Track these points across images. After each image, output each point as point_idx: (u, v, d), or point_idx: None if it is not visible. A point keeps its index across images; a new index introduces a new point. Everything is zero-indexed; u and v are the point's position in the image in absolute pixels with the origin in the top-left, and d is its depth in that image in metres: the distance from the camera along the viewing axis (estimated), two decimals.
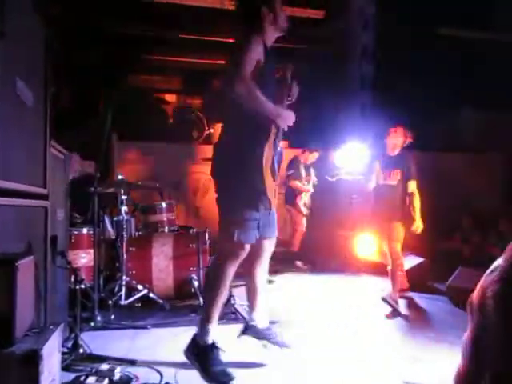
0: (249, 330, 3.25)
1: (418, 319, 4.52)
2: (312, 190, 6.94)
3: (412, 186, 4.88)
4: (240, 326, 3.96)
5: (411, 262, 5.77)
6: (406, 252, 5.50)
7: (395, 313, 4.60)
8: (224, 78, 2.76)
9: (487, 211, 7.81)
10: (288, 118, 2.91)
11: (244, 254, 2.91)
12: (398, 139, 4.94)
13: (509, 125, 7.96)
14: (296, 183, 6.78)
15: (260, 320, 3.25)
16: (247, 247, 2.89)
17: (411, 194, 4.86)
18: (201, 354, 2.86)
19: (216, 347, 2.90)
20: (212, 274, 2.98)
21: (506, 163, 8.37)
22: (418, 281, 5.45)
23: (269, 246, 3.21)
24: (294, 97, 3.19)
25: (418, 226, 4.84)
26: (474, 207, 7.99)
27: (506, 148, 7.98)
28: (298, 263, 6.92)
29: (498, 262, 0.82)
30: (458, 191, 8.22)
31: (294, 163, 6.87)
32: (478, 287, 0.88)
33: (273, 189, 2.93)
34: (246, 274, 3.27)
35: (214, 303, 2.90)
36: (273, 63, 2.97)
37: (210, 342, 2.89)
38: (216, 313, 2.91)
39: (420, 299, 5.20)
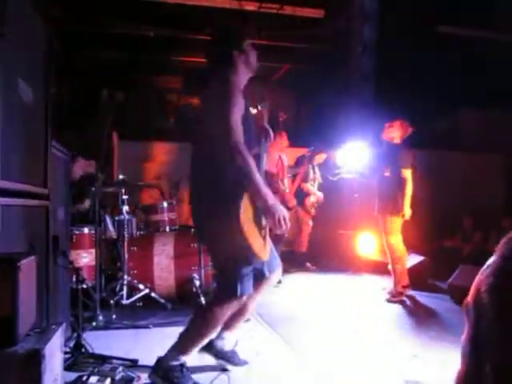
0: (211, 348, 3.01)
1: (419, 317, 4.52)
2: (321, 195, 6.94)
3: (405, 173, 4.90)
4: (243, 325, 3.99)
5: (412, 260, 5.77)
6: (407, 251, 5.50)
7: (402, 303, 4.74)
8: (218, 138, 2.57)
9: (488, 210, 7.81)
10: (280, 215, 2.60)
11: (239, 305, 2.80)
12: (394, 133, 5.00)
13: (509, 124, 7.96)
14: (308, 186, 6.77)
15: (230, 342, 3.09)
16: (245, 298, 2.78)
17: (404, 180, 4.89)
18: (167, 373, 2.70)
19: (184, 367, 2.74)
20: (203, 318, 2.82)
21: (507, 163, 8.37)
22: (419, 279, 5.45)
23: (276, 277, 3.09)
24: (271, 138, 3.05)
25: (405, 212, 4.90)
26: (474, 206, 7.99)
27: (506, 147, 7.97)
28: (308, 264, 6.90)
29: (492, 259, 0.82)
30: (459, 190, 8.22)
31: (301, 161, 6.85)
32: (473, 286, 0.88)
33: (260, 242, 2.72)
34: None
35: (195, 343, 2.78)
36: (248, 104, 2.83)
37: (177, 363, 2.73)
38: (193, 351, 2.78)
39: (421, 297, 5.21)
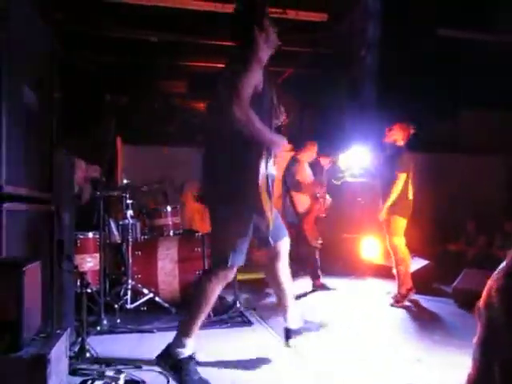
0: (290, 333, 3.33)
1: (423, 321, 4.51)
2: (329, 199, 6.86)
3: (398, 176, 4.98)
4: (245, 329, 4.00)
5: (416, 264, 5.76)
6: (411, 254, 5.49)
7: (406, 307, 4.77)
8: (222, 100, 2.74)
9: (491, 213, 7.79)
10: (281, 144, 2.93)
11: (232, 275, 2.99)
12: (396, 135, 5.08)
13: (510, 125, 7.95)
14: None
15: (294, 320, 3.34)
16: (235, 269, 2.97)
17: (393, 183, 4.95)
18: (176, 365, 2.81)
19: (193, 359, 2.86)
20: (200, 292, 2.94)
21: (508, 164, 8.34)
22: (423, 283, 5.43)
23: (285, 246, 3.29)
24: (280, 120, 3.20)
25: (382, 215, 5.05)
26: (476, 209, 7.97)
27: (507, 149, 7.95)
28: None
29: (503, 263, 0.83)
30: (461, 193, 8.20)
31: (316, 168, 6.78)
32: (485, 290, 0.88)
33: (270, 208, 2.92)
34: (270, 280, 3.34)
35: (197, 319, 2.89)
36: (268, 83, 2.97)
37: (186, 355, 2.84)
38: (197, 328, 2.90)
39: (425, 301, 5.19)
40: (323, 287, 5.78)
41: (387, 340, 3.89)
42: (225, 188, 2.87)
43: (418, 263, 5.81)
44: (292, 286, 3.39)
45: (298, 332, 3.35)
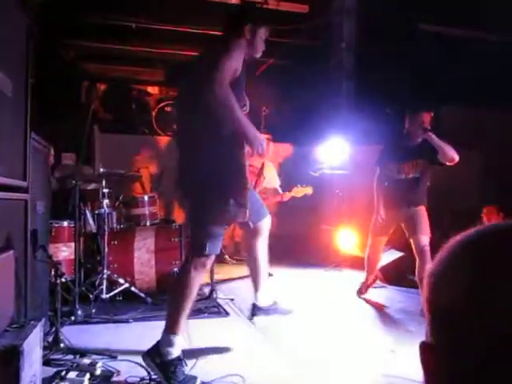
0: (257, 310, 3.47)
1: (398, 313, 4.57)
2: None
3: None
4: (222, 320, 4.00)
5: (392, 256, 5.82)
6: (387, 246, 5.56)
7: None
8: (202, 82, 2.71)
9: (467, 209, 7.91)
10: (262, 144, 2.86)
11: (210, 263, 3.00)
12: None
13: (488, 122, 8.06)
14: None
15: (264, 298, 3.45)
16: (214, 257, 2.97)
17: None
18: (163, 365, 2.73)
19: (181, 360, 2.78)
20: (180, 285, 2.90)
21: (487, 161, 8.46)
22: (398, 275, 5.51)
23: (266, 226, 3.36)
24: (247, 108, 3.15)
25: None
26: (453, 205, 8.08)
27: (486, 146, 8.07)
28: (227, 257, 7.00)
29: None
30: (438, 188, 8.30)
31: None
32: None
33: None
34: (247, 255, 3.44)
35: (181, 314, 2.83)
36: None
37: (175, 355, 2.75)
38: (182, 323, 2.83)
39: (400, 293, 5.26)
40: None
41: (361, 330, 3.93)
42: (201, 176, 2.85)
43: (393, 255, 5.88)
44: (267, 265, 3.47)
45: (266, 312, 3.47)
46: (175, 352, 2.75)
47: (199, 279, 2.91)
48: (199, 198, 2.88)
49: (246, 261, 3.49)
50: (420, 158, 4.50)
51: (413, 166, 4.54)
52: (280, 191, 5.96)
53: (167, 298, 3.00)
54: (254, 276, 3.43)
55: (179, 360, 2.76)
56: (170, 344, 2.76)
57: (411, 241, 4.46)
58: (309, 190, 5.80)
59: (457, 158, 4.31)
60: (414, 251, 4.40)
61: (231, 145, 2.83)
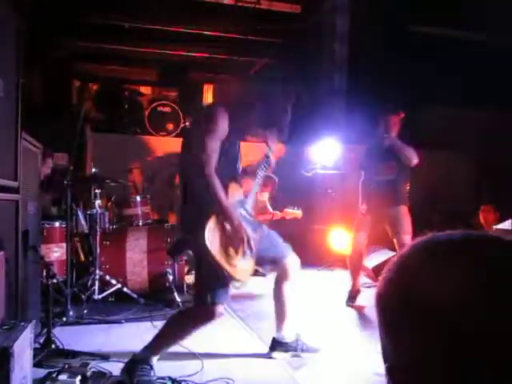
0: (277, 346, 3.25)
1: None
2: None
3: None
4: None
5: (384, 255, 5.84)
6: (379, 246, 5.57)
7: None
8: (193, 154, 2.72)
9: (457, 208, 7.94)
10: (246, 235, 2.72)
11: (217, 317, 2.81)
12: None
13: (477, 123, 8.10)
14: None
15: (286, 335, 3.26)
16: (220, 309, 2.79)
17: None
18: (133, 369, 2.71)
19: (151, 366, 2.75)
20: (182, 323, 2.89)
21: (477, 161, 8.51)
22: None
23: (292, 264, 3.21)
24: (272, 168, 3.18)
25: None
26: (441, 204, 8.11)
27: (475, 146, 8.12)
28: None
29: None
30: (429, 189, 8.33)
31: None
32: None
33: (235, 262, 2.76)
34: (273, 294, 3.28)
35: (168, 346, 2.83)
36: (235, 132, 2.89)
37: (146, 363, 2.74)
38: (165, 351, 2.83)
39: None
40: None
41: (353, 330, 3.94)
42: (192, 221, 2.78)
43: (385, 254, 5.89)
44: (293, 305, 3.32)
45: (286, 348, 3.26)
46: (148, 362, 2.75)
47: (198, 327, 2.81)
48: (197, 256, 2.85)
49: (273, 298, 3.29)
50: (392, 159, 4.62)
51: (387, 167, 4.66)
52: (269, 208, 5.94)
53: (166, 322, 2.92)
54: (278, 315, 3.28)
55: (151, 367, 2.74)
56: (146, 360, 2.73)
57: (394, 240, 4.58)
58: (299, 215, 5.83)
59: (415, 161, 4.53)
60: (397, 250, 4.43)
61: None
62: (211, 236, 2.62)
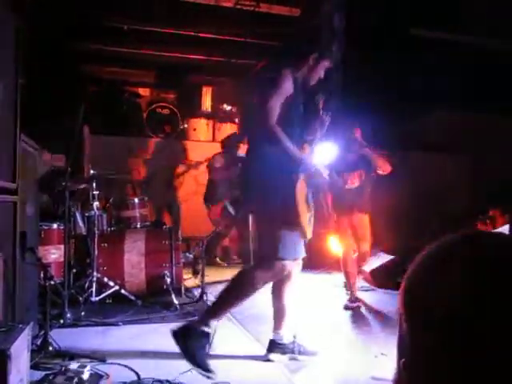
0: (274, 347, 3.23)
1: (387, 316, 4.58)
2: None
3: None
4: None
5: (381, 259, 5.84)
6: (377, 249, 5.57)
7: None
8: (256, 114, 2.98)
9: (456, 212, 7.95)
10: (309, 163, 3.05)
11: (283, 272, 2.96)
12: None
13: (476, 125, 8.11)
14: None
15: (283, 336, 3.26)
16: (289, 264, 2.94)
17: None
18: (192, 337, 2.80)
19: (209, 336, 2.86)
20: (243, 282, 2.97)
21: (475, 164, 8.51)
22: (389, 278, 5.51)
23: (296, 269, 3.23)
24: (325, 129, 3.30)
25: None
26: (442, 207, 8.11)
27: (474, 148, 8.12)
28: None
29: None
30: (427, 192, 8.33)
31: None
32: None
33: (306, 219, 3.00)
34: (272, 295, 3.28)
35: (230, 308, 2.96)
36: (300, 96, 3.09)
37: (206, 330, 2.85)
38: (225, 314, 2.97)
39: (389, 296, 5.27)
40: None
41: (351, 333, 3.94)
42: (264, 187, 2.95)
43: (382, 258, 5.89)
44: (292, 307, 3.34)
45: (283, 349, 3.24)
46: (207, 329, 2.85)
47: (260, 285, 2.94)
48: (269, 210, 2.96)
49: (272, 300, 3.29)
50: (359, 169, 4.84)
51: (354, 176, 4.87)
52: None
53: (226, 285, 3.01)
54: (276, 316, 3.27)
55: (208, 334, 2.83)
56: (207, 324, 2.84)
57: (355, 245, 4.92)
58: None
59: (389, 168, 4.79)
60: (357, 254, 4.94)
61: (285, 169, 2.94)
62: (299, 196, 2.87)
